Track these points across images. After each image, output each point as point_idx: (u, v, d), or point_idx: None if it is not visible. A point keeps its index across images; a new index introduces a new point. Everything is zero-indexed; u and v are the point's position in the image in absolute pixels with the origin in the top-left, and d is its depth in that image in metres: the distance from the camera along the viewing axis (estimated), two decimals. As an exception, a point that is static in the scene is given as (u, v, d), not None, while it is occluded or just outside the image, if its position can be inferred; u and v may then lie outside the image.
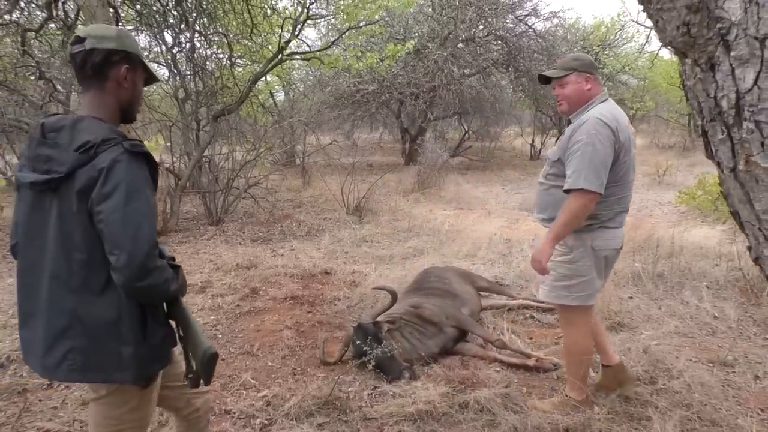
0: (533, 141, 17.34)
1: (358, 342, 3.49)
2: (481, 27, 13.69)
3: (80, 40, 1.64)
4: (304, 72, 14.01)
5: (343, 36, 7.56)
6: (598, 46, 16.31)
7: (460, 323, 3.87)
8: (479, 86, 14.07)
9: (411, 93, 12.86)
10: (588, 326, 2.88)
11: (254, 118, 9.56)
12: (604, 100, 2.69)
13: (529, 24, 14.28)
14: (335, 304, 4.77)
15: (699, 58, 1.29)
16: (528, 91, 15.45)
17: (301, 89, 13.16)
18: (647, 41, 19.71)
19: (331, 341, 3.99)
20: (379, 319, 3.67)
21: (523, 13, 14.19)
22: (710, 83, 1.29)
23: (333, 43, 7.79)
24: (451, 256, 6.07)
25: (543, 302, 4.60)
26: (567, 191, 2.54)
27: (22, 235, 1.66)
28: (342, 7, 7.19)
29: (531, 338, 4.04)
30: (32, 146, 1.60)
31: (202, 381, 1.75)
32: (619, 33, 16.74)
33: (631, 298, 4.69)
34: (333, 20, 10.31)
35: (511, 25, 14.15)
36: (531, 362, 3.54)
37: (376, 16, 7.35)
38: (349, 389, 3.29)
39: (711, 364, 3.47)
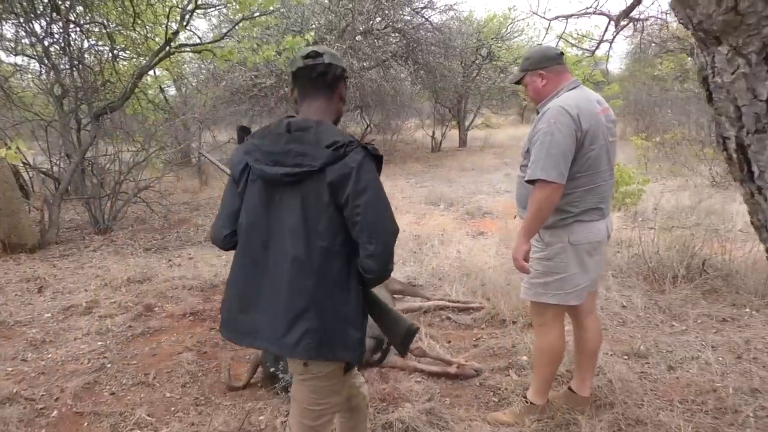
0: (433, 133, 17.51)
1: (267, 363, 3.21)
2: (378, 19, 13.55)
3: (319, 54, 1.83)
4: (197, 65, 13.24)
5: (236, 27, 7.09)
6: (492, 38, 16.69)
7: (379, 334, 3.66)
8: (379, 79, 13.96)
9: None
10: (561, 328, 2.72)
11: (142, 115, 8.83)
12: (573, 87, 2.54)
13: (426, 17, 14.34)
14: (240, 318, 4.42)
15: (745, 45, 0.97)
16: (427, 84, 15.54)
17: (194, 84, 12.40)
18: (547, 32, 20.25)
19: (236, 363, 3.66)
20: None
21: (420, 6, 14.21)
22: (762, 80, 0.96)
23: (226, 34, 7.29)
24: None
25: (458, 302, 4.53)
26: (529, 182, 2.40)
27: (253, 224, 1.80)
28: (234, -4, 6.75)
29: (449, 341, 3.92)
30: (281, 142, 1.74)
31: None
32: (510, 26, 17.21)
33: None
34: (224, 10, 9.75)
35: (408, 18, 14.13)
36: (452, 369, 3.41)
37: (271, 7, 6.96)
38: (260, 418, 2.99)
39: (626, 357, 3.50)
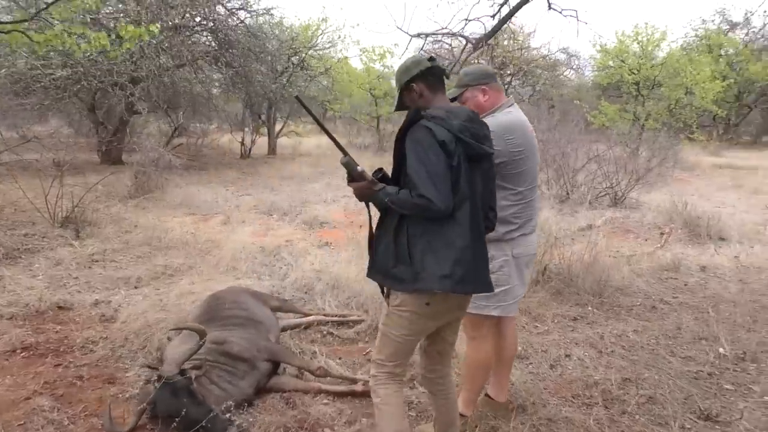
0: (243, 139, 16.96)
1: (165, 401, 2.79)
2: (190, 15, 12.73)
3: (433, 59, 2.25)
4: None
5: (49, 9, 6.02)
6: (306, 48, 16.76)
7: (274, 355, 3.42)
8: (192, 79, 13.11)
9: (113, 82, 11.26)
10: (493, 340, 2.81)
11: None
12: (510, 105, 2.72)
13: (241, 18, 13.86)
14: (92, 350, 3.80)
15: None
16: (239, 88, 15.01)
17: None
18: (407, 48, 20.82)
19: (116, 403, 3.12)
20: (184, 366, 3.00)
21: (234, 6, 13.70)
22: None
23: (37, 14, 6.14)
24: (211, 273, 5.42)
25: (336, 315, 4.43)
26: None
27: (472, 193, 2.13)
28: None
29: (340, 358, 3.81)
30: (476, 126, 2.18)
31: None
32: (321, 37, 17.46)
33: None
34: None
35: (222, 17, 13.52)
36: (359, 387, 3.31)
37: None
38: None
39: (511, 361, 3.74)
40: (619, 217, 8.33)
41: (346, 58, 18.97)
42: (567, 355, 3.80)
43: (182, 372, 2.92)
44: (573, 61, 24.41)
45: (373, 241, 2.28)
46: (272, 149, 18.28)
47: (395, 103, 2.34)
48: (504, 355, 2.97)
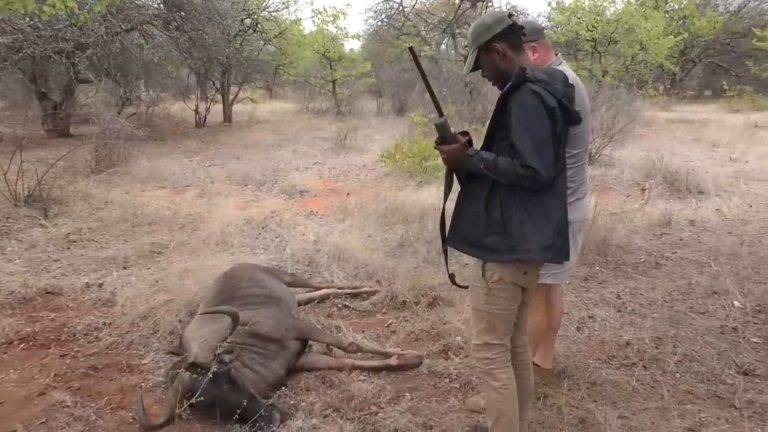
0: (197, 107, 16.27)
1: (206, 390, 2.61)
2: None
3: (512, 15, 2.08)
4: None
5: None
6: (260, 9, 16.07)
7: (303, 333, 3.28)
8: (144, 45, 12.36)
9: (57, 49, 10.49)
10: (543, 307, 2.87)
11: None
12: (560, 64, 2.62)
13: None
14: (97, 337, 3.56)
15: None
16: (191, 53, 14.29)
17: None
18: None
19: (144, 394, 2.91)
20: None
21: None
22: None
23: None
24: (203, 249, 5.17)
25: (349, 288, 4.29)
26: None
27: (564, 162, 2.10)
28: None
29: (363, 331, 3.69)
30: (570, 90, 2.06)
31: None
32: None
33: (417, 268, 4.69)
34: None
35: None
36: (393, 361, 3.21)
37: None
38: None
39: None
40: (598, 174, 8.42)
41: (299, 20, 18.33)
42: (590, 317, 3.80)
43: (216, 357, 2.75)
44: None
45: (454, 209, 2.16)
46: (228, 117, 17.62)
47: (469, 64, 2.15)
48: (552, 323, 2.94)
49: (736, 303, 3.90)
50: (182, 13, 13.02)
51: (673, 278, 4.48)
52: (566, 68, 2.59)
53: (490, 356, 2.16)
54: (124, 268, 4.77)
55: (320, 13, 19.33)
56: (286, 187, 7.99)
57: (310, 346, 3.39)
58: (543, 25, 21.75)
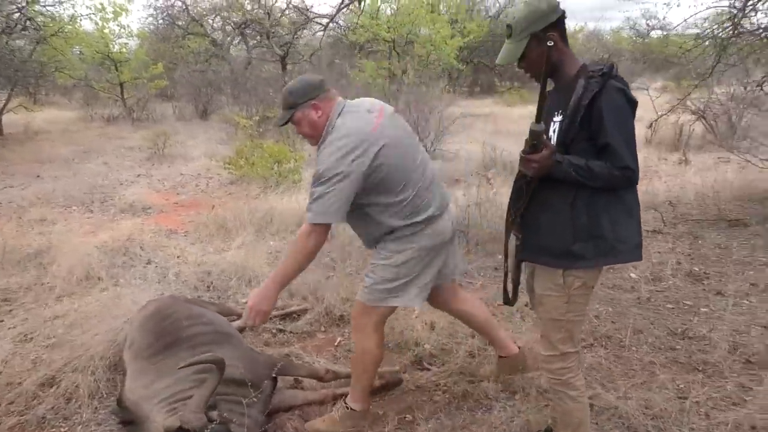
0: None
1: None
2: None
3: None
4: None
5: None
6: (33, 3, 13.79)
7: (278, 370, 2.88)
8: None
9: None
10: (382, 334, 2.64)
11: None
12: (339, 112, 2.42)
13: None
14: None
15: None
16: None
17: None
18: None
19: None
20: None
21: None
22: None
23: None
24: (68, 288, 4.29)
25: (276, 309, 3.91)
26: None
27: None
28: None
29: (316, 354, 3.39)
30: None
31: None
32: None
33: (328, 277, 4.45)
34: None
35: None
36: (376, 383, 2.99)
37: None
38: None
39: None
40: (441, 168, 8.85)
41: (75, 17, 16.10)
42: (525, 304, 3.96)
43: (207, 416, 2.30)
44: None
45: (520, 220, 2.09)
46: (-2, 129, 14.93)
47: (513, 52, 1.99)
48: (477, 319, 2.88)
49: (633, 275, 4.39)
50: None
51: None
52: (350, 110, 2.45)
53: (567, 365, 2.11)
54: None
55: (100, 10, 17.34)
56: (124, 205, 7.03)
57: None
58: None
